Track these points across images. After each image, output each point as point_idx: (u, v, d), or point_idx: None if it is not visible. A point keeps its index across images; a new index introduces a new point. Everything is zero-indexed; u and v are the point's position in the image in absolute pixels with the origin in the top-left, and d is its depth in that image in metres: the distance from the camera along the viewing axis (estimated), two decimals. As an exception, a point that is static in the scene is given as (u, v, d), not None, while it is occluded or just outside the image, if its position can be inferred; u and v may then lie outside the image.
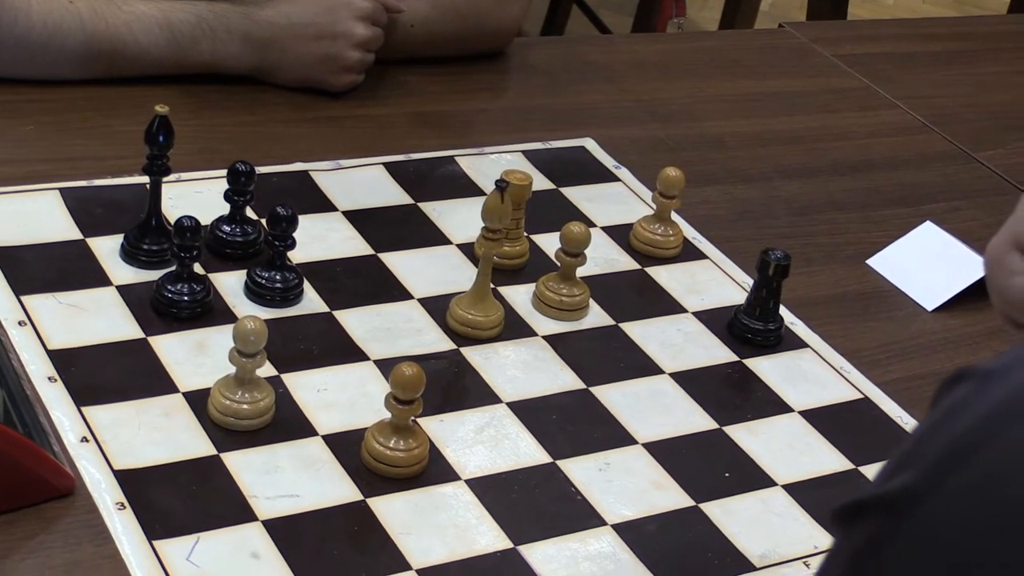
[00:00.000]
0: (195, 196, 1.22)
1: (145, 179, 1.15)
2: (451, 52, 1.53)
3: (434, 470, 1.01)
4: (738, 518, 1.03)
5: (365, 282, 1.18)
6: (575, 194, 1.35)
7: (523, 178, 1.22)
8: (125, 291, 1.11)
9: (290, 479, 0.98)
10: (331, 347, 1.10)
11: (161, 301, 1.09)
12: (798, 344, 1.22)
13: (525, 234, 1.25)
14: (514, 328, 1.16)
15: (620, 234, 1.31)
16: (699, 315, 1.23)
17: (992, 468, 0.48)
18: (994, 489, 0.47)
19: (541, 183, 1.36)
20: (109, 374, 1.03)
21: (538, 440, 1.05)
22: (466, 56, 1.55)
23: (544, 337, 1.16)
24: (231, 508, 0.95)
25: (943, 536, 0.48)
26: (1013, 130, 1.67)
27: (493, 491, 1.00)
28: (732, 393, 1.15)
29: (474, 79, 1.53)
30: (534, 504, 1.00)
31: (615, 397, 1.11)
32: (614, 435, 1.08)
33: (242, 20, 1.36)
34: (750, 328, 1.20)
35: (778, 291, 1.19)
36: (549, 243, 1.25)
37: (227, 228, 1.17)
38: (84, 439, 0.97)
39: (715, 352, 1.19)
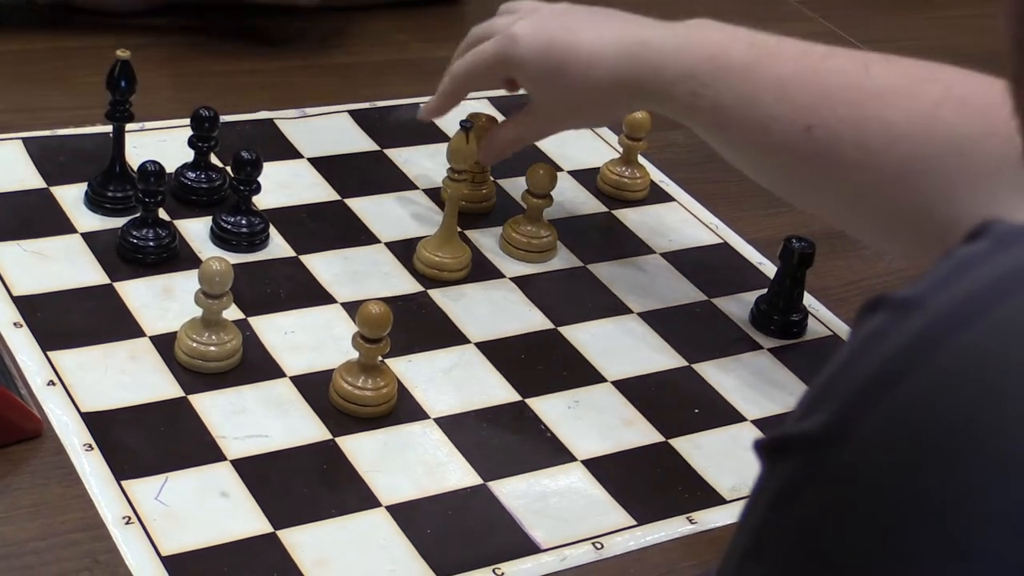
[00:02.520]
0: (159, 144, 1.22)
1: (108, 128, 1.14)
2: None
3: (403, 409, 1.01)
4: (708, 453, 1.03)
5: (331, 227, 1.18)
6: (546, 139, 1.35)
7: (489, 120, 1.22)
8: (90, 238, 1.11)
9: (258, 420, 0.98)
10: (298, 290, 1.10)
11: (126, 247, 1.09)
12: (765, 283, 1.22)
13: (492, 178, 1.25)
14: (482, 270, 1.16)
15: (587, 177, 1.31)
16: (667, 256, 1.23)
17: (909, 402, 0.46)
18: (914, 422, 0.45)
19: (507, 128, 1.35)
20: (75, 319, 1.03)
21: (507, 379, 1.05)
22: (428, 2, 1.54)
23: (512, 279, 1.16)
24: (199, 449, 0.94)
25: (864, 478, 0.46)
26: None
27: (462, 429, 1.00)
28: (700, 331, 1.15)
29: (438, 27, 1.53)
30: (503, 441, 1.00)
31: (583, 336, 1.11)
32: (583, 373, 1.08)
33: None
34: (774, 321, 1.16)
35: (802, 281, 1.17)
36: (515, 187, 1.25)
37: (192, 175, 1.17)
38: (51, 383, 0.97)
39: (683, 292, 1.19)
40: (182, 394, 0.98)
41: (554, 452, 1.00)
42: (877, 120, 0.98)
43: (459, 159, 1.11)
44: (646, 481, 1.00)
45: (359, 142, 1.30)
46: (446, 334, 1.09)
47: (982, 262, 0.47)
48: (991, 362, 0.45)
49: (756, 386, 1.10)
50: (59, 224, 1.12)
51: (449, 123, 1.33)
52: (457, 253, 1.14)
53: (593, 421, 1.04)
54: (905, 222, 0.99)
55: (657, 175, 1.33)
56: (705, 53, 1.05)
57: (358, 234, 1.17)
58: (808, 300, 1.21)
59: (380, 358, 1.00)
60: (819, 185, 1.03)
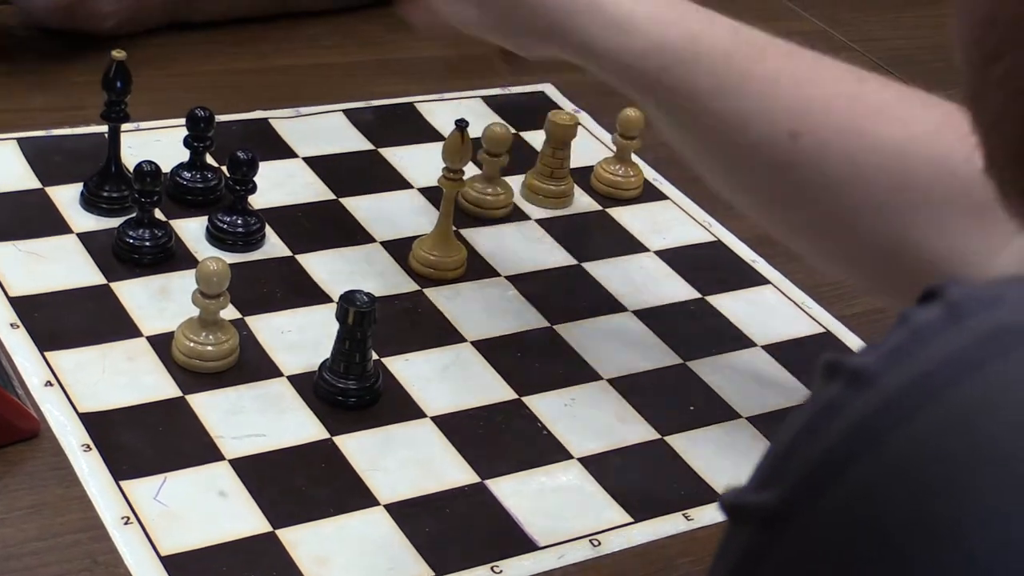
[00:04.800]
0: (154, 144, 1.22)
1: (103, 128, 1.14)
2: None
3: (400, 408, 1.01)
4: (703, 450, 1.03)
5: (327, 226, 1.18)
6: (535, 138, 1.35)
7: (568, 118, 1.25)
8: (86, 238, 1.11)
9: (255, 419, 0.98)
10: (294, 290, 1.10)
11: (122, 247, 1.09)
12: (759, 280, 1.23)
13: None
14: (477, 269, 1.17)
15: (581, 176, 1.31)
16: (661, 254, 1.23)
17: (855, 490, 0.45)
18: (859, 511, 0.45)
19: (501, 127, 1.36)
20: (72, 320, 1.03)
21: (503, 377, 1.06)
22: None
23: (507, 277, 1.16)
24: (197, 448, 0.95)
25: (813, 562, 0.46)
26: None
27: (459, 427, 1.01)
28: (695, 329, 1.15)
29: (431, 27, 1.53)
30: (500, 439, 1.01)
31: (579, 334, 1.12)
32: (578, 371, 1.08)
33: None
34: (337, 388, 1.00)
35: (364, 342, 0.99)
36: (511, 186, 1.25)
37: (187, 175, 1.17)
38: (48, 383, 0.97)
39: (678, 289, 1.19)
40: (180, 394, 0.98)
41: (551, 450, 1.01)
42: (872, 137, 0.90)
43: (455, 158, 1.11)
44: (643, 478, 1.00)
45: (354, 141, 1.30)
46: (442, 333, 1.09)
47: (936, 334, 0.46)
48: (935, 456, 0.44)
49: (751, 383, 1.11)
50: (55, 224, 1.12)
51: (444, 124, 1.33)
52: (452, 253, 1.15)
53: (589, 419, 1.04)
54: (882, 252, 0.91)
55: (651, 173, 1.34)
56: (684, 29, 0.94)
57: (354, 233, 1.18)
58: (802, 298, 1.21)
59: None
60: (793, 200, 0.94)
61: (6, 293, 1.04)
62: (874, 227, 0.91)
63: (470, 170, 1.18)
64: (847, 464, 0.45)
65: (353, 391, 1.00)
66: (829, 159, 0.90)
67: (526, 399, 1.04)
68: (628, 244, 1.24)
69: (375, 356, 1.02)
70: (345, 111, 1.34)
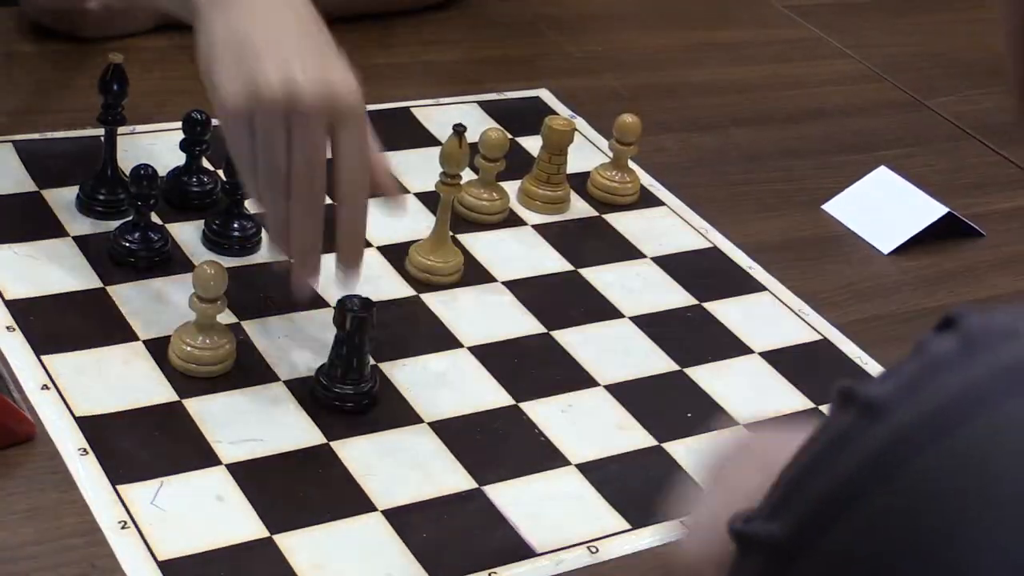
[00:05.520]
0: (150, 148, 1.22)
1: (99, 132, 1.14)
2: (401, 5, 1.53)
3: (397, 414, 1.01)
4: (700, 457, 1.03)
5: (323, 231, 1.17)
6: (532, 144, 1.35)
7: (565, 124, 1.25)
8: (82, 242, 1.10)
9: (252, 424, 0.97)
10: (290, 294, 1.09)
11: (119, 251, 1.08)
12: (756, 287, 1.23)
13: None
14: (474, 275, 1.16)
15: (577, 182, 1.31)
16: (657, 260, 1.23)
17: (865, 524, 0.45)
18: (870, 545, 0.45)
19: (497, 133, 1.36)
20: (68, 323, 1.02)
21: (500, 383, 1.06)
22: (417, 8, 1.55)
23: (504, 283, 1.16)
24: (194, 453, 0.94)
25: None
26: (962, 77, 1.68)
27: (456, 434, 1.00)
28: (693, 336, 1.15)
29: (428, 31, 1.53)
30: (498, 445, 1.00)
31: (576, 340, 1.11)
32: (576, 378, 1.08)
33: None
34: (334, 393, 1.01)
35: (361, 347, 1.00)
36: (507, 191, 1.25)
37: (183, 178, 1.16)
38: (44, 387, 0.96)
39: (675, 296, 1.19)
40: (176, 398, 0.98)
41: (548, 456, 1.00)
42: None
43: (452, 163, 1.11)
44: (640, 485, 1.00)
45: (350, 146, 1.29)
46: (439, 338, 1.09)
47: (950, 368, 0.46)
48: (943, 494, 0.44)
49: (748, 390, 1.10)
50: (51, 228, 1.11)
51: (440, 129, 1.33)
52: (449, 258, 1.14)
53: (587, 425, 1.04)
54: None
55: (647, 179, 1.34)
56: None
57: (350, 238, 1.17)
58: (799, 305, 1.21)
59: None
60: None
61: (2, 296, 1.03)
62: None
63: (467, 175, 1.18)
64: (856, 499, 0.45)
65: (350, 396, 1.00)
66: None
67: (523, 405, 1.04)
68: (625, 250, 1.24)
69: (372, 361, 1.01)
70: (341, 115, 1.33)
